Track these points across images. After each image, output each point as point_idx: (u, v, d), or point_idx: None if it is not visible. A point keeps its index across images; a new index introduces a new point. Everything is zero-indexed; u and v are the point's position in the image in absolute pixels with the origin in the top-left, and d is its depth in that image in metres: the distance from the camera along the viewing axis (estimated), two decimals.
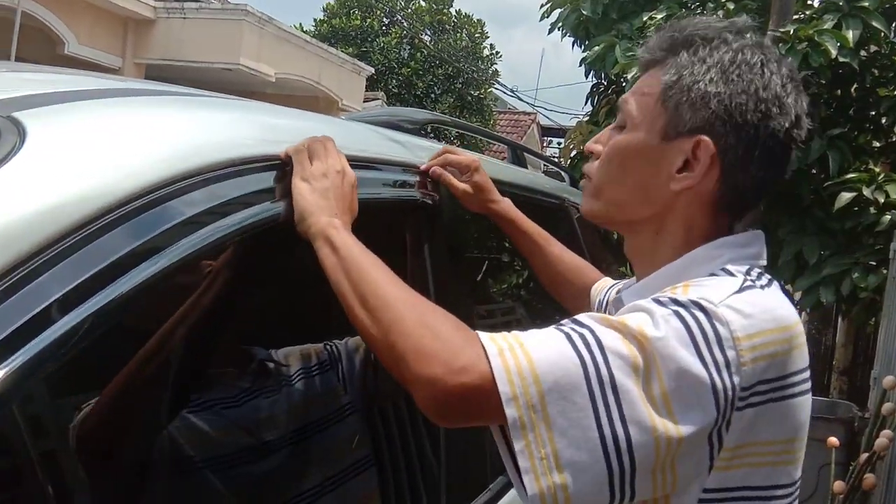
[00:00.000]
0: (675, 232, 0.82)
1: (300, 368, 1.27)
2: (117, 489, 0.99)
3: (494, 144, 9.62)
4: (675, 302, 0.70)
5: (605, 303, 1.14)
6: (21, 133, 0.62)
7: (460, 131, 7.32)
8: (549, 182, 2.12)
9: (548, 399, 0.66)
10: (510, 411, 0.66)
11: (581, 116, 5.89)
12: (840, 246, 3.59)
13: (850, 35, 3.43)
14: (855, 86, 3.89)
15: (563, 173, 2.47)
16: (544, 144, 17.16)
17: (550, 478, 0.66)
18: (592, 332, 0.69)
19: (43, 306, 0.55)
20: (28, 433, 0.75)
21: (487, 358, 0.68)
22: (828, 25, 3.46)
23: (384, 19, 14.79)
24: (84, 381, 0.89)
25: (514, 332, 0.72)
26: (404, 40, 14.36)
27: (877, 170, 3.89)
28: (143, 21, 8.45)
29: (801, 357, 0.75)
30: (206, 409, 1.13)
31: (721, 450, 0.70)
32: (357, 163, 1.03)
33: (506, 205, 1.30)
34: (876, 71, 3.85)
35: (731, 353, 0.68)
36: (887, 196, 3.44)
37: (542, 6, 4.78)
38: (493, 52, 15.74)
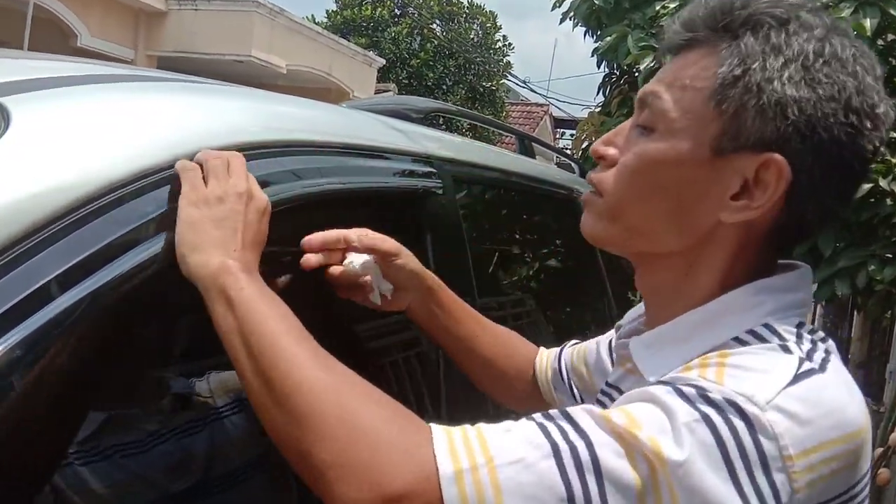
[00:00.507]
0: (711, 272, 0.64)
1: (232, 402, 0.95)
2: None
3: (505, 136, 9.59)
4: (706, 398, 0.53)
5: (566, 366, 0.92)
6: (5, 118, 0.61)
7: (471, 122, 7.29)
8: (559, 173, 2.10)
9: None
10: None
11: (593, 108, 5.84)
12: (856, 238, 3.54)
13: (868, 24, 3.37)
14: None
15: (573, 164, 2.45)
16: (557, 136, 17.07)
17: None
18: (588, 444, 0.52)
19: (25, 294, 0.54)
20: None
21: (440, 481, 0.51)
22: (845, 14, 3.40)
23: (395, 10, 14.74)
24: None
25: (485, 435, 0.54)
26: (415, 31, 14.31)
27: (894, 161, 3.83)
28: (154, 13, 8.47)
29: (866, 461, 0.59)
30: (99, 457, 0.84)
31: None
32: (360, 151, 1.02)
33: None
34: (893, 60, 3.78)
35: (779, 478, 0.51)
36: None
37: None
38: (506, 43, 15.66)
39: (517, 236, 1.81)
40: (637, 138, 0.65)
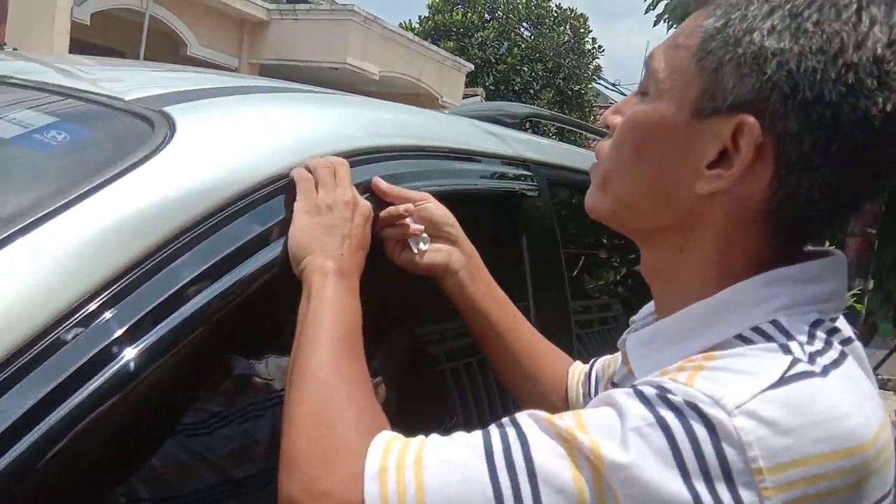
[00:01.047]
0: (705, 253, 0.58)
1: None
2: None
3: (592, 141, 9.47)
4: (665, 400, 0.47)
5: (597, 379, 0.87)
6: (171, 126, 0.71)
7: (558, 125, 7.25)
8: None
9: None
10: None
11: None
12: None
13: None
14: None
15: None
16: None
17: None
18: (524, 445, 0.49)
19: (191, 277, 0.63)
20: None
21: (363, 480, 0.51)
22: None
23: (485, 14, 14.85)
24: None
25: (427, 441, 0.53)
26: (502, 35, 14.37)
27: None
28: (258, 23, 8.92)
29: (882, 482, 0.49)
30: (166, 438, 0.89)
31: None
32: (459, 155, 1.08)
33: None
34: None
35: (745, 495, 0.44)
36: None
37: None
38: (596, 46, 15.47)
39: (606, 239, 1.84)
40: (634, 104, 0.61)
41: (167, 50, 8.19)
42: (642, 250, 0.65)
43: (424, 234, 0.85)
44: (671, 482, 0.45)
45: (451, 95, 10.62)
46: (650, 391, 0.48)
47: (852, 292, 3.79)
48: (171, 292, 0.62)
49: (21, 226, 0.57)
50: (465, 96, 11.31)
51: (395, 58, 9.42)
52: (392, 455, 0.51)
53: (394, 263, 0.84)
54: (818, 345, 0.51)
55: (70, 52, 6.37)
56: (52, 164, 0.67)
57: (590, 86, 15.18)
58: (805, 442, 0.45)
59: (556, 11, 15.06)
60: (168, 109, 0.73)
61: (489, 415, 1.17)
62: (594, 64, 15.43)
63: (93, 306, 0.58)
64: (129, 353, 0.59)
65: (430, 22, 14.95)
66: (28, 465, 0.52)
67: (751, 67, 0.52)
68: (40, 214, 0.58)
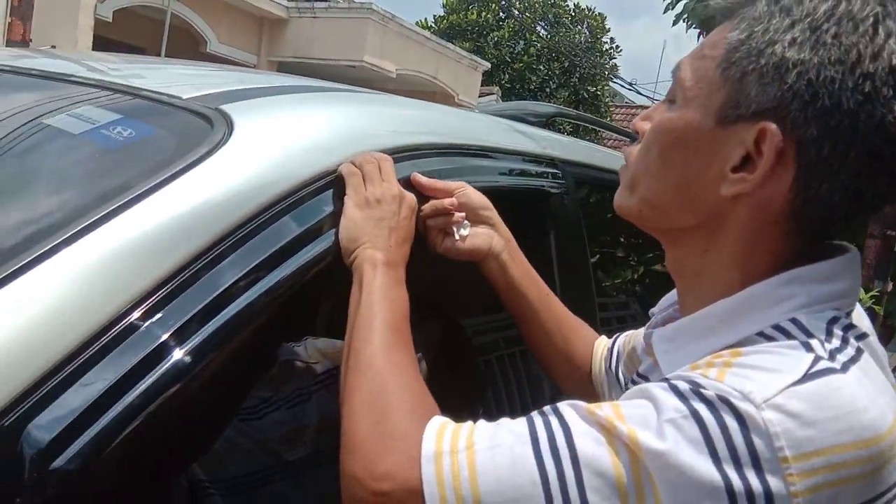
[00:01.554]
0: (729, 253, 0.61)
1: (334, 366, 1.01)
2: None
3: (610, 140, 9.47)
4: (698, 394, 0.51)
5: (618, 354, 0.91)
6: (229, 123, 0.74)
7: (574, 123, 7.27)
8: None
9: None
10: None
11: None
12: None
13: None
14: None
15: None
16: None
17: None
18: (567, 433, 0.53)
19: (255, 263, 0.67)
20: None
21: (420, 461, 0.55)
22: None
23: (500, 13, 14.86)
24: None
25: (476, 426, 0.57)
26: (518, 33, 14.37)
27: None
28: (276, 20, 8.98)
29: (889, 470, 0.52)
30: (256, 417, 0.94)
31: None
32: (487, 152, 1.11)
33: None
34: None
35: (773, 481, 0.48)
36: None
37: None
38: (613, 45, 15.43)
39: (632, 238, 1.86)
40: (664, 111, 0.64)
41: (187, 47, 8.28)
42: (668, 250, 0.68)
43: (465, 221, 0.88)
44: (704, 468, 0.48)
45: (468, 94, 10.64)
46: (684, 386, 0.52)
47: (871, 294, 3.78)
48: (231, 283, 0.66)
49: (100, 215, 0.61)
50: (481, 95, 11.33)
51: (411, 56, 9.46)
52: (446, 439, 0.55)
53: (434, 252, 0.87)
54: (836, 342, 0.55)
55: (93, 49, 6.46)
56: (120, 158, 0.70)
57: (606, 86, 15.16)
58: (827, 433, 0.49)
59: (573, 10, 15.06)
60: (225, 107, 0.77)
61: (515, 393, 1.19)
62: (611, 63, 15.40)
63: (162, 294, 0.61)
64: (196, 340, 0.62)
65: (444, 21, 15.00)
66: (98, 451, 0.55)
67: (773, 77, 0.55)
68: (117, 205, 0.62)
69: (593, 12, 15.25)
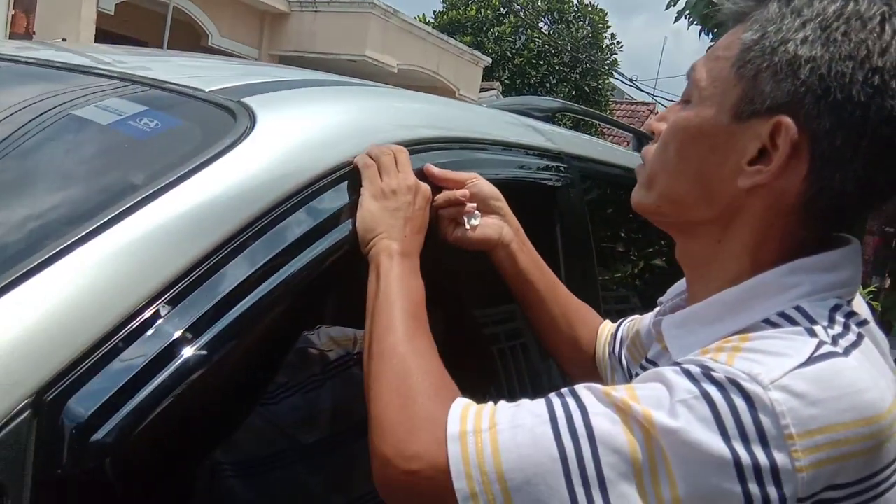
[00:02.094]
0: (742, 243, 0.64)
1: (346, 353, 1.05)
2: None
3: (611, 135, 9.49)
4: (708, 377, 0.54)
5: (622, 339, 0.93)
6: (251, 116, 0.77)
7: (575, 118, 7.29)
8: None
9: (515, 501, 0.54)
10: None
11: None
12: None
13: None
14: None
15: None
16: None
17: None
18: (584, 413, 0.56)
19: (278, 250, 0.70)
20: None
21: (446, 443, 0.58)
22: None
23: (501, 9, 14.85)
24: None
25: (497, 407, 0.60)
26: (519, 29, 14.37)
27: None
28: (278, 14, 8.98)
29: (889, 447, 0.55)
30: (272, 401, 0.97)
31: None
32: (496, 145, 1.14)
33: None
34: None
35: (779, 457, 0.51)
36: None
37: None
38: (614, 41, 15.44)
39: (637, 232, 1.89)
40: (678, 111, 0.68)
41: (189, 41, 8.28)
42: (680, 242, 0.71)
43: (476, 211, 0.91)
44: (714, 444, 0.51)
45: (468, 89, 10.65)
46: (695, 369, 0.55)
47: (868, 289, 3.81)
48: (252, 271, 0.68)
49: (131, 203, 0.63)
50: (482, 90, 11.34)
51: (413, 51, 9.46)
52: (469, 420, 0.59)
53: (445, 241, 0.89)
54: (839, 328, 0.58)
55: (95, 41, 6.47)
56: (148, 148, 0.73)
57: (606, 81, 15.17)
58: (830, 412, 0.52)
59: (576, 6, 15.07)
60: (247, 100, 0.79)
61: (518, 374, 1.22)
62: (612, 59, 15.41)
63: (188, 282, 0.64)
64: (220, 326, 0.65)
65: (444, 17, 14.99)
66: (126, 434, 0.57)
67: (786, 73, 0.59)
68: (146, 194, 0.64)
69: (595, 7, 15.25)
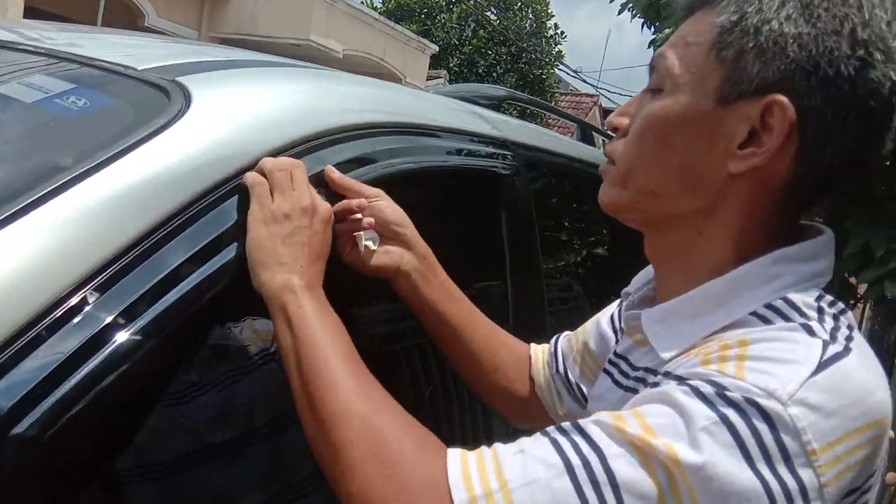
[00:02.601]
0: (725, 231, 0.63)
1: (266, 347, 0.97)
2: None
3: (556, 124, 9.61)
4: (724, 398, 0.51)
5: (563, 355, 0.90)
6: (186, 96, 0.74)
7: (523, 106, 7.34)
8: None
9: None
10: None
11: None
12: None
13: None
14: None
15: None
16: (606, 127, 16.96)
17: None
18: (601, 457, 0.52)
19: (213, 237, 0.67)
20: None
21: None
22: None
23: None
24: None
25: (500, 459, 0.55)
26: (469, 18, 14.37)
27: None
28: None
29: (883, 451, 0.56)
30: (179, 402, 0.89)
31: None
32: (441, 132, 1.12)
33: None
34: None
35: (805, 475, 0.50)
36: None
37: None
38: (558, 31, 15.59)
39: (580, 221, 1.91)
40: (647, 102, 0.65)
41: (124, 20, 7.95)
42: (654, 237, 0.68)
43: (374, 233, 0.82)
44: (742, 474, 0.49)
45: (415, 76, 10.59)
46: (707, 389, 0.52)
47: None
48: (184, 259, 0.65)
49: (55, 185, 0.60)
50: (429, 78, 11.30)
51: (359, 36, 9.34)
52: (475, 482, 0.53)
53: (340, 260, 0.81)
54: (830, 320, 0.57)
55: (24, 18, 6.15)
56: (75, 128, 0.69)
57: (552, 71, 15.32)
58: (846, 420, 0.52)
59: None
60: (182, 79, 0.76)
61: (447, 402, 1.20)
62: (556, 50, 15.56)
63: (115, 269, 0.60)
64: (146, 319, 0.61)
65: (392, 2, 14.86)
66: (48, 427, 0.54)
67: (774, 52, 0.58)
68: (73, 175, 0.61)
69: None
